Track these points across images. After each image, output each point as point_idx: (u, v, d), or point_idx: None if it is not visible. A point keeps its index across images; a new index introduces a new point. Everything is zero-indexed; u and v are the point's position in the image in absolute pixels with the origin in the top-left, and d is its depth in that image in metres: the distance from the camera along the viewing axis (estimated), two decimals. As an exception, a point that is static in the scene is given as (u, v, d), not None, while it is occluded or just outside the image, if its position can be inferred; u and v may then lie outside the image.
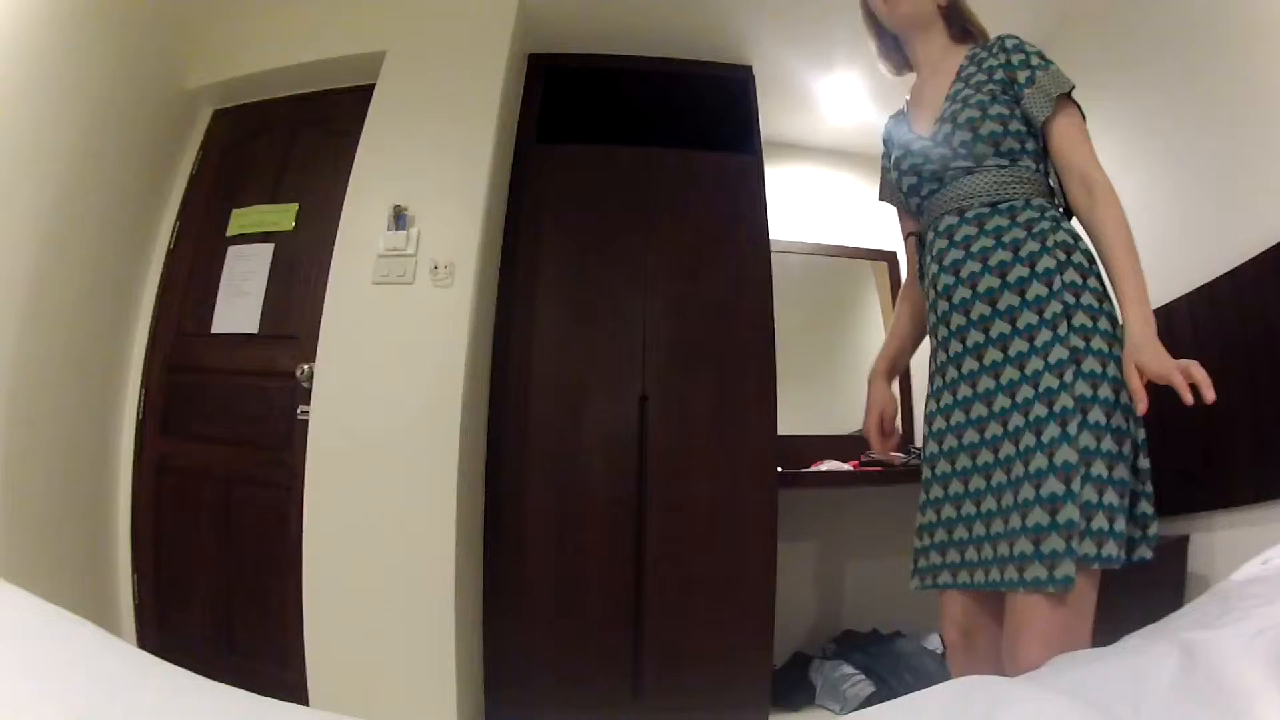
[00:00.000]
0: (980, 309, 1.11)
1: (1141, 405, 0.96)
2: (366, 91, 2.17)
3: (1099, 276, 1.09)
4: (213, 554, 2.05)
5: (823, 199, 3.07)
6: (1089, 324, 1.04)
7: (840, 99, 2.73)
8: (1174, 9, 1.97)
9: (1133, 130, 2.03)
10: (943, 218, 1.18)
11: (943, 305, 1.17)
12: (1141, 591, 1.23)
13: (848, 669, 2.22)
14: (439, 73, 2.16)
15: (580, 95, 2.56)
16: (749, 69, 2.55)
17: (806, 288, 2.96)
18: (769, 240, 2.31)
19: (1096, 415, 0.99)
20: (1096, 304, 1.06)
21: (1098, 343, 1.02)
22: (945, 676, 0.81)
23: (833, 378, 3.05)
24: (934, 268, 1.18)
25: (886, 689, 2.09)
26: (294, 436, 1.99)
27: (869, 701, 2.08)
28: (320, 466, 1.89)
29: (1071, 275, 1.07)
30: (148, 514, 2.10)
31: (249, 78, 2.31)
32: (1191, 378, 0.93)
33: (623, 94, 2.60)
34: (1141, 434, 1.04)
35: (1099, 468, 0.97)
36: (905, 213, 1.36)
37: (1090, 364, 1.01)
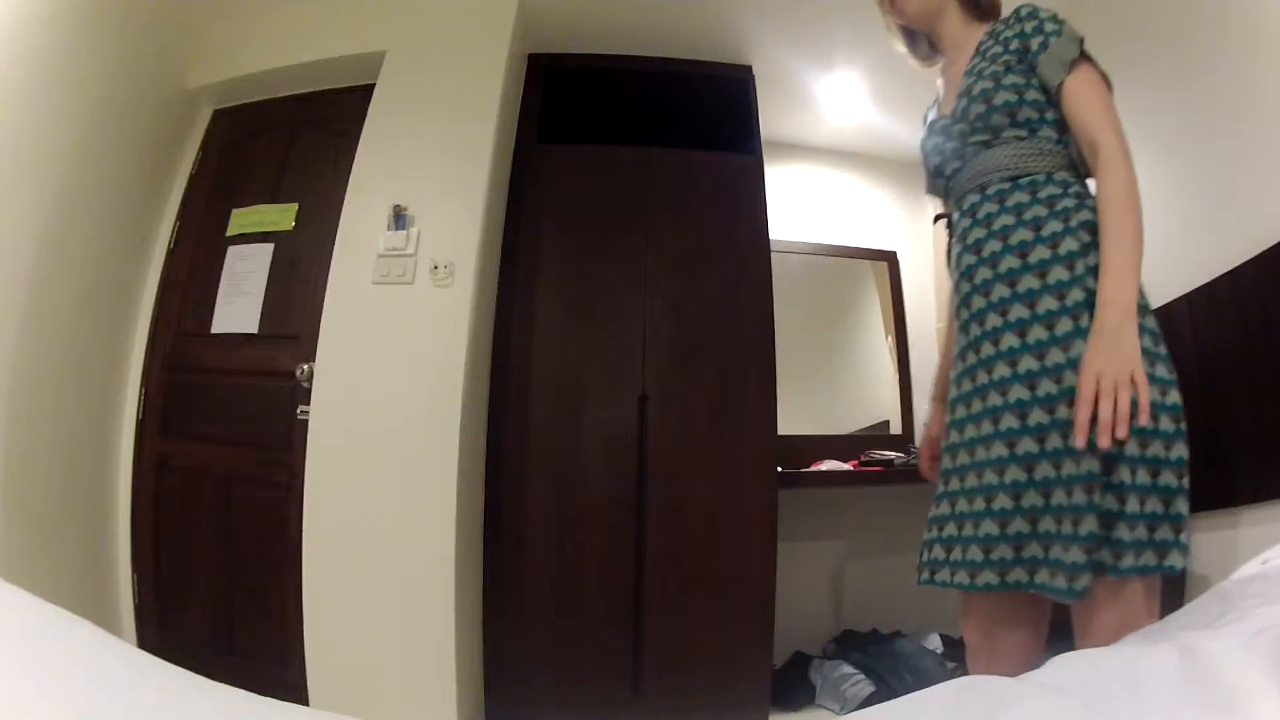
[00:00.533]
0: (1000, 291, 1.06)
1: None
2: (366, 91, 2.16)
3: None
4: (213, 554, 2.05)
5: (823, 199, 3.07)
6: None
7: (840, 99, 2.73)
8: (1174, 9, 1.97)
9: (1132, 130, 2.01)
10: (966, 196, 1.15)
11: (965, 286, 1.12)
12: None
13: (848, 669, 2.22)
14: (439, 73, 2.16)
15: (580, 95, 2.56)
16: (749, 69, 2.55)
17: (806, 288, 2.96)
18: (769, 240, 2.31)
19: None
20: None
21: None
22: (945, 676, 0.81)
23: (833, 378, 3.06)
24: (957, 247, 1.15)
25: (886, 689, 2.09)
26: (294, 436, 1.99)
27: (869, 701, 2.08)
28: (320, 466, 1.89)
29: (1096, 258, 1.01)
30: (148, 514, 2.10)
31: (249, 78, 2.31)
32: (1120, 407, 0.88)
33: (623, 94, 2.60)
34: (1176, 424, 0.96)
35: (1121, 474, 0.93)
36: (939, 197, 1.32)
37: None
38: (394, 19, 2.24)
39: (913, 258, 3.08)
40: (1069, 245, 1.03)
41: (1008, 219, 1.08)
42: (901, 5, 1.26)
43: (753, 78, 2.54)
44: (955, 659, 2.31)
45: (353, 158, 2.08)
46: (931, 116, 1.27)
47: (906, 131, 2.87)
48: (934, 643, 2.39)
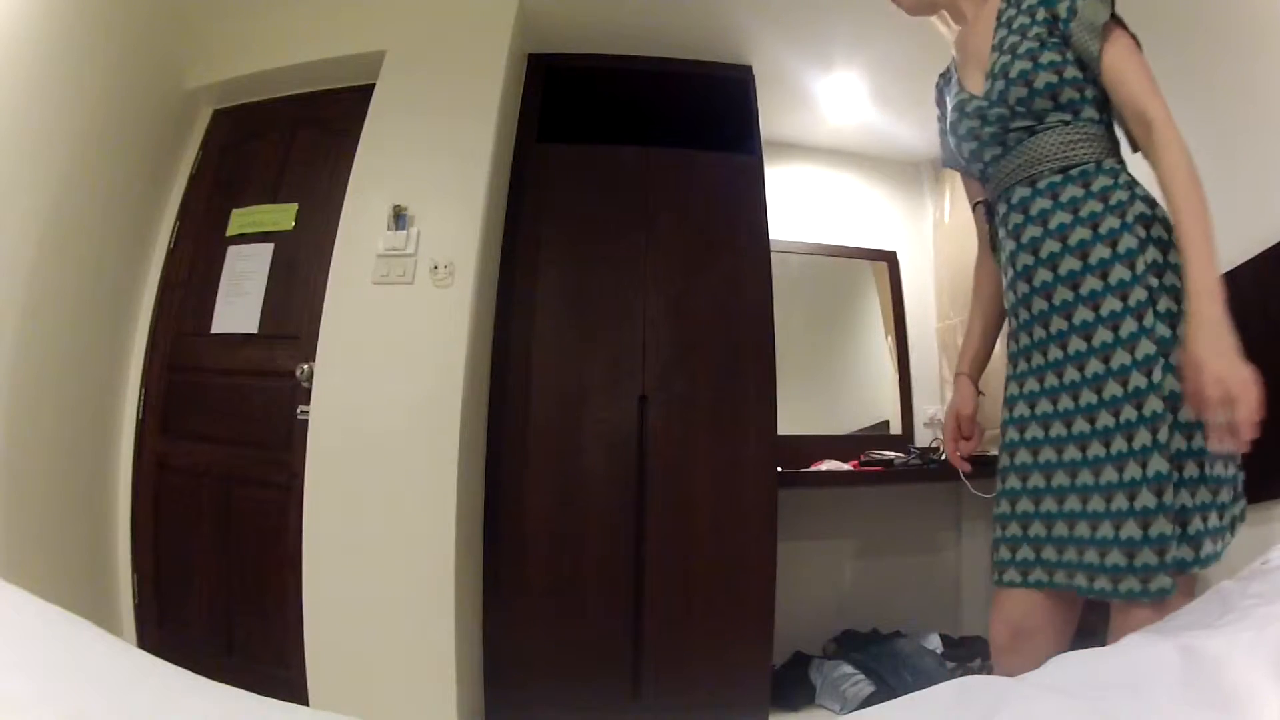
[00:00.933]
0: (1063, 294, 1.05)
1: (1228, 441, 0.87)
2: (366, 91, 2.16)
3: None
4: (213, 554, 2.05)
5: (823, 199, 3.07)
6: (1174, 308, 0.98)
7: (840, 99, 2.73)
8: (1174, 9, 1.97)
9: (1133, 130, 2.03)
10: (1015, 189, 1.11)
11: (1023, 287, 1.11)
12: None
13: (848, 669, 2.22)
14: (439, 72, 2.16)
15: (580, 95, 2.56)
16: (749, 69, 2.54)
17: (806, 288, 2.97)
18: (769, 240, 2.31)
19: (1188, 412, 0.94)
20: (1180, 284, 0.98)
21: (1184, 329, 0.95)
22: (945, 676, 0.81)
23: (833, 378, 3.06)
24: (1010, 244, 1.12)
25: (886, 689, 2.09)
26: (294, 436, 1.99)
27: (869, 701, 2.08)
28: (320, 466, 1.89)
29: (1153, 254, 1.00)
30: (147, 513, 2.10)
31: (249, 78, 2.30)
32: (1236, 413, 0.85)
33: (623, 94, 2.60)
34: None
35: (1191, 469, 0.94)
36: (970, 179, 1.29)
37: (1179, 356, 0.95)
38: (394, 19, 2.23)
39: (913, 258, 3.08)
40: (1127, 242, 1.01)
41: (1064, 216, 1.06)
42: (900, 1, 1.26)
43: (753, 78, 2.54)
44: (955, 659, 2.31)
45: (353, 158, 2.08)
46: (955, 92, 1.21)
47: (907, 131, 2.88)
48: (934, 643, 2.39)
